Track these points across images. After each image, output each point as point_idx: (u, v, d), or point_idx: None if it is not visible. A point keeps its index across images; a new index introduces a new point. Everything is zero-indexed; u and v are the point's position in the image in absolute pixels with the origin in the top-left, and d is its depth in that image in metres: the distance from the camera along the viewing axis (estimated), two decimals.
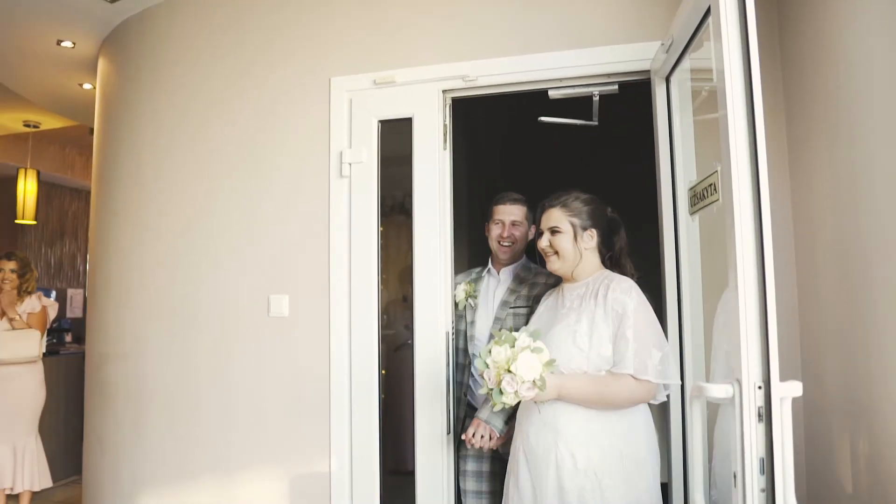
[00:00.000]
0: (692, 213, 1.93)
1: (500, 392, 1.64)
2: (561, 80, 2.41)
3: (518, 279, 2.39)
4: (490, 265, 2.48)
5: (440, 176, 2.49)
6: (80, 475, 4.38)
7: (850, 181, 1.66)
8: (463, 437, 2.19)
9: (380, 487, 2.52)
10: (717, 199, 1.59)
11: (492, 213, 2.44)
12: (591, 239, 1.89)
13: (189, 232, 2.92)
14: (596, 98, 2.40)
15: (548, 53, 2.39)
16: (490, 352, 1.68)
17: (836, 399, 1.79)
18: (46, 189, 6.81)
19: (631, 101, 2.45)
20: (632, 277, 1.88)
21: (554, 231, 1.90)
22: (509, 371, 1.62)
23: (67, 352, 5.23)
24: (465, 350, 2.44)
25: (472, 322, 2.43)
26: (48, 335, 4.16)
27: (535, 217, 2.35)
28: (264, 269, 2.73)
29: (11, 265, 3.79)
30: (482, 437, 2.13)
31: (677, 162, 2.08)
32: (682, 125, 2.08)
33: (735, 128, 1.32)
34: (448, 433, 2.40)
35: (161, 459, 2.87)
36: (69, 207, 7.55)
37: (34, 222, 6.26)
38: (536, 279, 2.36)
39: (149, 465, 2.90)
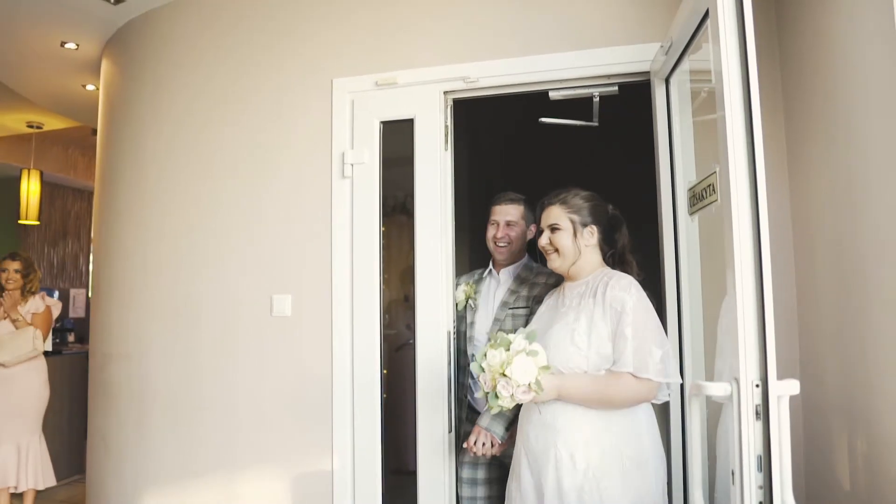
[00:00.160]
0: (691, 214, 1.94)
1: (497, 396, 1.62)
2: (561, 81, 2.42)
3: (519, 280, 2.38)
4: (491, 266, 2.48)
5: (441, 176, 2.50)
6: (84, 474, 4.40)
7: (848, 181, 1.68)
8: (465, 445, 2.17)
9: (382, 487, 2.53)
10: (716, 200, 1.60)
11: (489, 214, 2.45)
12: (591, 236, 1.87)
13: (192, 232, 2.94)
14: (596, 99, 2.42)
15: (548, 55, 2.41)
16: (485, 355, 1.67)
17: (834, 398, 1.80)
18: (49, 189, 6.84)
19: (631, 103, 2.47)
20: (637, 276, 1.86)
21: (553, 228, 1.88)
22: (504, 375, 1.61)
23: (70, 351, 5.25)
24: (466, 351, 2.44)
25: (472, 323, 2.43)
26: (52, 335, 4.17)
27: (535, 216, 2.36)
28: (267, 269, 2.75)
29: (15, 265, 3.80)
30: (483, 444, 2.12)
31: (677, 163, 2.09)
32: (682, 126, 2.09)
33: (733, 129, 1.34)
34: (449, 432, 2.42)
35: (164, 459, 2.89)
36: (72, 208, 7.57)
37: (37, 222, 6.29)
38: (537, 279, 2.34)
39: (152, 464, 2.92)
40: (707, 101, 1.77)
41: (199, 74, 3.01)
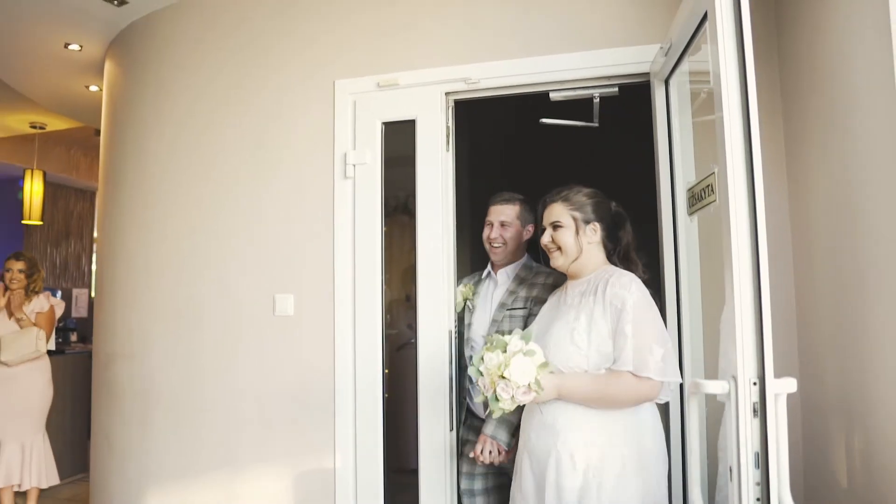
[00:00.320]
0: (691, 214, 1.96)
1: (497, 399, 1.60)
2: (562, 82, 2.43)
3: (517, 280, 2.35)
4: (489, 267, 2.46)
5: (443, 177, 2.52)
6: (87, 473, 4.43)
7: (845, 181, 1.69)
8: (471, 454, 2.16)
9: (384, 485, 2.55)
10: (715, 201, 1.62)
11: (486, 214, 2.43)
12: (594, 233, 1.85)
13: (194, 232, 2.96)
14: (596, 100, 2.43)
15: (549, 56, 2.42)
16: (482, 358, 1.65)
17: (832, 397, 1.82)
18: (52, 190, 6.87)
19: (631, 103, 2.48)
20: (642, 274, 1.84)
21: (555, 226, 1.86)
22: (503, 377, 1.59)
23: (73, 351, 5.27)
24: (468, 355, 2.42)
25: (469, 325, 2.42)
26: (55, 334, 4.20)
27: (534, 216, 2.35)
28: (269, 269, 2.76)
29: (20, 265, 3.83)
30: (490, 452, 2.10)
31: (676, 163, 2.10)
32: (681, 127, 2.11)
33: (731, 130, 1.35)
34: (451, 430, 2.43)
35: (167, 457, 2.91)
36: (74, 208, 7.60)
37: (40, 222, 6.32)
38: (535, 280, 2.31)
39: (155, 462, 2.94)
40: (706, 102, 1.78)
41: (202, 76, 3.03)
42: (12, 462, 3.64)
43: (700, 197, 1.80)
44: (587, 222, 1.85)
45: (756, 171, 1.32)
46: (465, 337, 2.43)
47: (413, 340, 2.56)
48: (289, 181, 2.77)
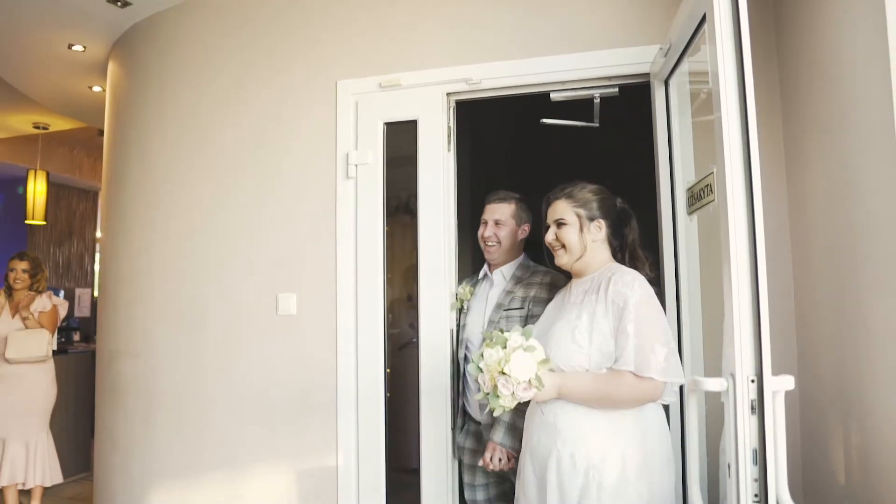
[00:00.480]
0: (690, 213, 1.97)
1: (497, 395, 1.58)
2: (562, 82, 2.45)
3: (514, 280, 2.31)
4: (486, 267, 2.43)
5: (444, 177, 2.54)
6: (90, 471, 4.46)
7: (843, 181, 1.70)
8: (480, 462, 2.14)
9: (385, 483, 2.57)
10: (714, 200, 1.63)
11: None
12: (598, 230, 1.82)
13: (197, 232, 2.97)
14: (597, 100, 2.44)
15: (549, 57, 2.44)
16: (482, 355, 1.63)
17: (830, 394, 1.83)
18: (55, 190, 6.89)
19: (631, 104, 2.49)
20: (649, 272, 1.82)
21: (559, 224, 1.83)
22: (503, 373, 1.57)
23: (76, 350, 5.30)
24: (462, 357, 2.39)
25: (464, 325, 2.40)
26: (58, 333, 4.22)
27: (530, 215, 2.35)
28: (272, 268, 2.78)
29: (23, 265, 3.85)
30: (500, 459, 2.08)
31: (676, 163, 2.12)
32: (681, 127, 2.12)
33: (729, 130, 1.37)
34: (452, 429, 2.45)
35: (171, 455, 2.92)
36: (77, 208, 7.63)
37: (44, 222, 6.34)
38: (532, 279, 2.27)
39: (159, 461, 2.95)
40: (706, 103, 1.79)
41: (204, 76, 3.04)
42: (17, 461, 3.66)
43: (699, 196, 1.81)
44: (591, 219, 1.82)
45: (754, 171, 1.33)
46: (460, 338, 2.40)
47: (415, 340, 2.58)
48: (291, 181, 2.79)
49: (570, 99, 2.48)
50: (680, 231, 2.09)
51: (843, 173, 1.70)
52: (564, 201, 1.85)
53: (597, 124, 2.49)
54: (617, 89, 2.40)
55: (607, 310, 1.68)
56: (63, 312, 4.02)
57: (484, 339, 1.68)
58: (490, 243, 2.33)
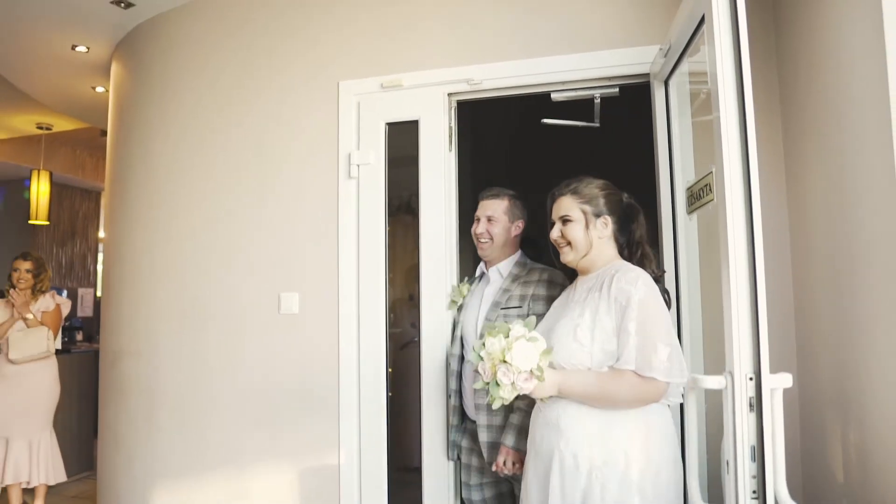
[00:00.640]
0: (690, 213, 1.98)
1: (497, 384, 1.55)
2: (563, 83, 2.46)
3: (511, 277, 2.27)
4: (482, 265, 2.40)
5: (446, 177, 2.55)
6: (93, 470, 4.47)
7: (841, 182, 1.71)
8: (494, 467, 2.09)
9: (388, 481, 2.58)
10: (713, 199, 1.64)
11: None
12: (604, 227, 1.78)
13: (200, 232, 2.99)
14: (597, 100, 2.45)
15: (550, 57, 2.45)
16: (484, 344, 1.60)
17: (829, 392, 1.84)
18: (57, 190, 6.92)
19: (632, 104, 2.50)
20: (656, 270, 1.79)
21: (565, 220, 1.79)
22: (504, 362, 1.55)
23: (79, 350, 5.32)
24: (457, 355, 2.35)
25: (459, 323, 2.37)
26: (61, 333, 4.23)
27: (524, 212, 2.33)
28: (274, 268, 2.79)
29: (27, 265, 3.86)
30: (514, 464, 2.03)
31: (676, 163, 2.13)
32: (681, 127, 2.13)
33: (727, 130, 1.38)
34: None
35: (174, 454, 2.94)
36: (80, 208, 7.66)
37: (47, 222, 6.37)
38: (529, 277, 2.23)
39: (162, 459, 2.97)
40: (706, 103, 1.80)
41: (206, 77, 3.06)
42: (20, 459, 3.68)
43: (699, 196, 1.83)
44: (597, 216, 1.78)
45: (752, 171, 1.34)
46: (454, 336, 2.38)
47: (416, 339, 2.59)
48: (293, 181, 2.80)
49: (570, 99, 2.50)
50: (680, 230, 2.10)
51: (841, 174, 1.71)
52: (570, 197, 1.81)
53: (597, 124, 2.50)
54: (617, 89, 2.42)
55: (610, 307, 1.64)
56: (66, 311, 4.04)
57: (485, 330, 1.66)
58: (483, 240, 2.31)
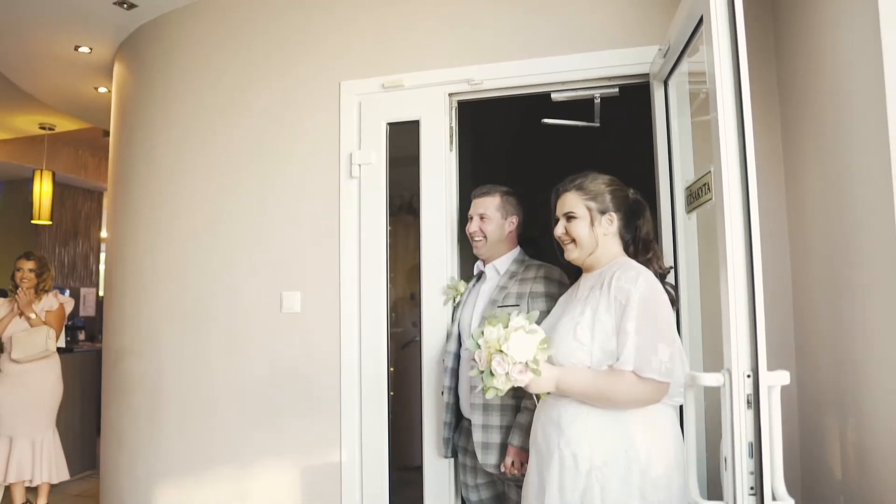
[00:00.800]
0: (689, 212, 1.99)
1: (491, 374, 1.53)
2: (563, 83, 2.47)
3: (508, 275, 2.23)
4: (479, 262, 2.36)
5: (447, 176, 2.56)
6: (95, 470, 4.49)
7: (839, 182, 1.72)
8: (502, 468, 2.05)
9: (389, 479, 2.58)
10: (711, 198, 1.65)
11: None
12: (609, 224, 1.74)
13: (202, 231, 3.00)
14: (597, 100, 2.47)
15: (550, 57, 2.46)
16: (482, 332, 1.58)
17: (827, 390, 1.85)
18: (60, 190, 6.94)
19: (633, 104, 2.51)
20: (662, 267, 1.76)
21: (569, 217, 1.76)
22: (500, 351, 1.52)
23: (81, 349, 5.34)
24: (453, 353, 2.30)
25: (456, 320, 2.35)
26: (64, 332, 4.25)
27: (519, 208, 2.30)
28: (276, 267, 2.80)
29: (30, 265, 3.88)
30: (523, 464, 1.98)
31: (675, 162, 2.14)
32: (680, 126, 2.15)
33: (725, 130, 1.39)
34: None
35: (176, 453, 2.95)
36: (82, 208, 7.68)
37: (49, 222, 6.39)
38: (526, 274, 2.19)
39: (164, 458, 2.98)
40: (705, 103, 1.81)
41: (208, 77, 3.07)
42: (23, 458, 3.70)
43: (698, 195, 1.84)
44: (603, 213, 1.74)
45: (750, 170, 1.35)
46: (449, 333, 2.37)
47: (417, 338, 2.60)
48: (295, 181, 2.81)
49: (570, 99, 2.51)
50: (679, 229, 2.11)
51: (839, 173, 1.72)
52: (574, 193, 1.77)
53: (597, 124, 2.51)
54: (617, 89, 2.43)
55: (609, 306, 1.61)
56: (69, 311, 4.06)
57: (486, 318, 1.63)
58: (476, 238, 2.28)
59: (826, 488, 1.85)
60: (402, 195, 3.46)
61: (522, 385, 1.57)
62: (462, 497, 2.43)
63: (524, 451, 1.98)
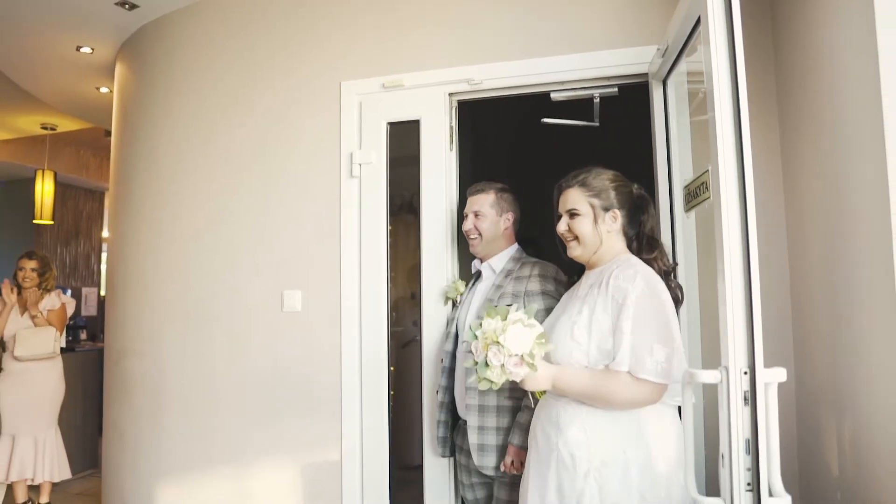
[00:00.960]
0: (687, 210, 2.01)
1: (487, 364, 1.51)
2: (562, 82, 2.49)
3: (504, 273, 2.19)
4: (476, 261, 2.33)
5: (447, 176, 2.57)
6: (97, 468, 4.51)
7: (836, 182, 1.73)
8: (502, 468, 2.04)
9: (389, 478, 2.59)
10: (709, 197, 1.66)
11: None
12: (613, 221, 1.71)
13: (203, 231, 3.01)
14: (596, 100, 2.48)
15: (549, 57, 2.47)
16: (481, 324, 1.57)
17: (825, 388, 1.86)
18: (61, 190, 6.96)
19: (632, 103, 2.52)
20: (665, 263, 1.72)
21: (572, 214, 1.72)
22: (497, 342, 1.51)
23: (83, 349, 5.35)
24: (450, 352, 2.29)
25: (452, 320, 2.35)
26: (66, 332, 4.27)
27: (514, 204, 2.28)
28: (277, 267, 2.81)
29: (32, 264, 3.90)
30: (522, 463, 1.94)
31: (674, 161, 2.15)
32: (679, 126, 2.16)
33: (722, 129, 1.40)
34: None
35: (178, 452, 2.96)
36: (83, 208, 7.69)
37: (51, 222, 6.41)
38: (521, 272, 2.14)
39: (166, 457, 2.99)
40: (704, 102, 1.81)
41: (210, 77, 3.09)
42: (25, 456, 3.72)
43: (696, 194, 1.85)
44: (606, 210, 1.71)
45: (747, 169, 1.36)
46: (447, 332, 2.35)
47: (418, 338, 2.60)
48: (296, 180, 2.82)
49: (570, 99, 2.52)
50: (678, 228, 2.12)
51: (836, 172, 1.73)
52: (578, 189, 1.73)
53: (597, 123, 2.52)
54: (616, 89, 2.44)
55: (607, 305, 1.59)
56: (71, 310, 4.08)
57: (485, 311, 1.62)
58: (472, 236, 2.25)
59: (823, 484, 1.86)
60: (402, 195, 3.47)
61: (517, 380, 1.55)
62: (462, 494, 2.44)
63: (524, 451, 1.95)
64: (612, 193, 1.72)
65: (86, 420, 4.80)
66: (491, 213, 2.24)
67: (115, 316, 3.40)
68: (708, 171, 1.66)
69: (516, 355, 1.51)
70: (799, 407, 2.04)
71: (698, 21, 1.64)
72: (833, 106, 1.74)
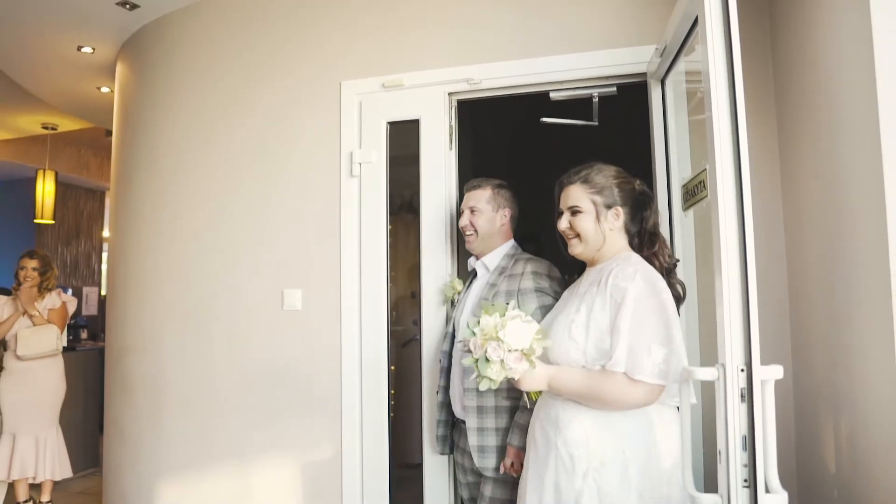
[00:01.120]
0: (685, 209, 2.02)
1: (486, 360, 1.50)
2: (562, 82, 2.49)
3: (498, 270, 2.16)
4: (472, 258, 2.29)
5: (446, 175, 2.58)
6: (98, 467, 4.52)
7: (834, 181, 1.74)
8: (502, 469, 2.02)
9: (389, 476, 2.60)
10: (707, 196, 1.67)
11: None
12: (615, 218, 1.68)
13: (204, 230, 3.02)
14: (595, 99, 2.49)
15: (549, 57, 2.48)
16: (479, 321, 1.55)
17: (822, 386, 1.87)
18: (62, 189, 6.97)
19: (631, 103, 2.53)
20: (668, 261, 1.70)
21: (574, 211, 1.70)
22: (496, 338, 1.50)
23: (83, 348, 5.37)
24: (447, 352, 2.28)
25: (451, 319, 2.32)
26: (67, 331, 4.28)
27: (511, 201, 2.26)
28: (277, 266, 2.82)
29: (33, 263, 3.91)
30: (522, 464, 1.90)
31: (672, 160, 2.16)
32: (677, 125, 2.17)
33: (719, 128, 1.41)
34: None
35: (179, 449, 2.97)
36: (84, 207, 7.71)
37: (52, 222, 6.42)
38: (514, 269, 2.10)
39: (167, 455, 3.00)
40: (702, 101, 1.82)
41: (210, 77, 3.09)
42: (27, 455, 3.73)
43: (694, 192, 1.86)
44: (609, 207, 1.68)
45: (744, 168, 1.37)
46: (446, 331, 2.34)
47: (418, 337, 2.61)
48: (296, 180, 2.83)
49: (569, 98, 2.53)
50: (676, 226, 2.13)
51: (834, 171, 1.74)
52: (579, 186, 1.70)
53: (596, 123, 2.53)
54: (615, 88, 2.45)
55: (605, 304, 1.57)
56: (72, 309, 4.09)
57: (482, 308, 1.61)
58: (468, 233, 2.22)
59: (820, 481, 1.87)
60: (402, 194, 3.48)
61: (517, 376, 1.54)
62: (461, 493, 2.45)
63: (524, 452, 1.91)
64: (615, 190, 1.69)
65: (87, 419, 4.81)
66: (487, 209, 2.21)
67: (115, 315, 3.41)
68: (706, 169, 1.67)
69: (516, 350, 1.50)
70: (796, 405, 2.05)
71: (696, 21, 1.65)
72: (830, 106, 1.75)
